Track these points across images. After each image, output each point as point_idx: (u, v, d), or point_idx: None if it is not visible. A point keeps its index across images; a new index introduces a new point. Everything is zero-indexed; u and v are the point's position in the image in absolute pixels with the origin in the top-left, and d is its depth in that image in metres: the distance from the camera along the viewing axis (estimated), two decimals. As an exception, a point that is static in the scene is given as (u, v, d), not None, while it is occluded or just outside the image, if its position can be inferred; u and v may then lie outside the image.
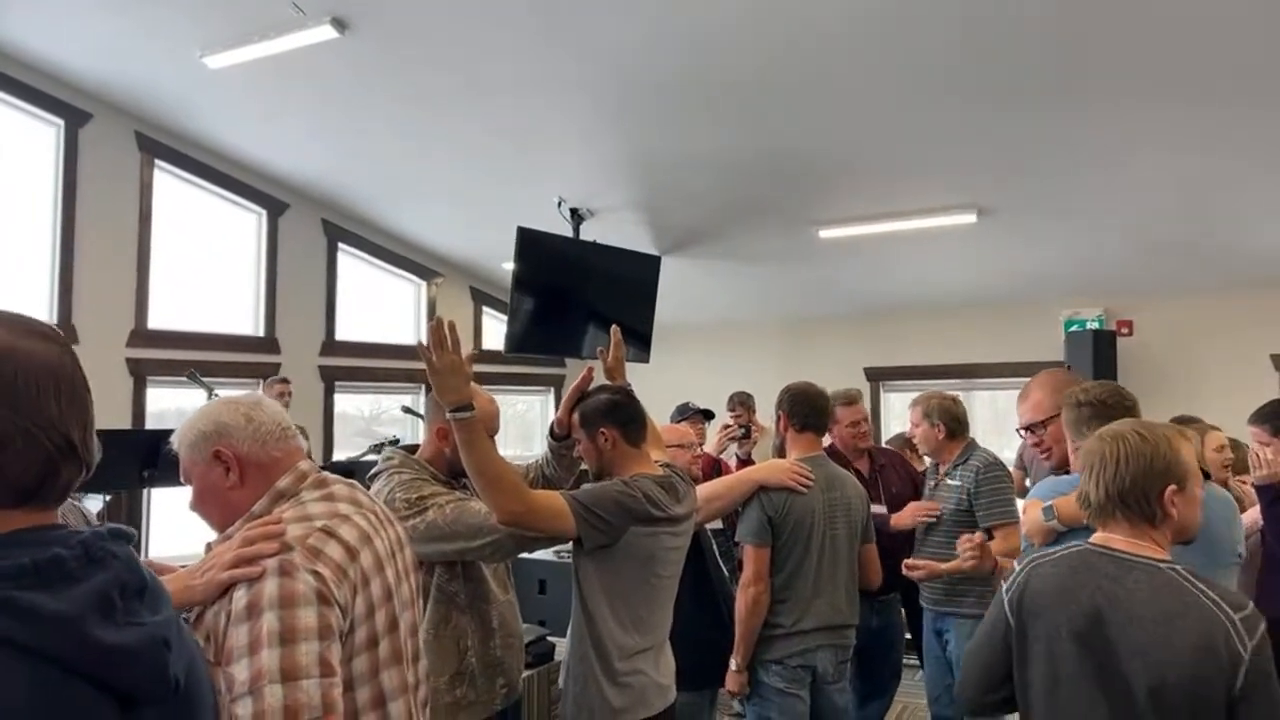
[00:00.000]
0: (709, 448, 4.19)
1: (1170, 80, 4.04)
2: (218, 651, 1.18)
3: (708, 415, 4.35)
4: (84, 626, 0.72)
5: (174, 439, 1.43)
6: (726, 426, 4.42)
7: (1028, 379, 2.43)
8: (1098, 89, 4.16)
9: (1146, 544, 1.61)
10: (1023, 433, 2.40)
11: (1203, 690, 1.46)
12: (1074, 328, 6.56)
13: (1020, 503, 2.85)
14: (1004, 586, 1.73)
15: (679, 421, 3.93)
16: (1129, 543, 1.61)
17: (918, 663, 4.83)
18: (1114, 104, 4.26)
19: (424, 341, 1.93)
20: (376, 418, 7.56)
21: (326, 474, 1.45)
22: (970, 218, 5.56)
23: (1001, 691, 1.70)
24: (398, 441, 4.10)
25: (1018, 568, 1.74)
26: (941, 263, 6.40)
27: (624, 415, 2.25)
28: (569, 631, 2.17)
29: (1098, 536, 1.67)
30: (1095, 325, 6.49)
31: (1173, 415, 4.16)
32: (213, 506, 1.40)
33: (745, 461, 4.81)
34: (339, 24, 4.24)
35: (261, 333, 6.31)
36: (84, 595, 0.73)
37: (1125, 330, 6.58)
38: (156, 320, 5.74)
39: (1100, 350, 6.18)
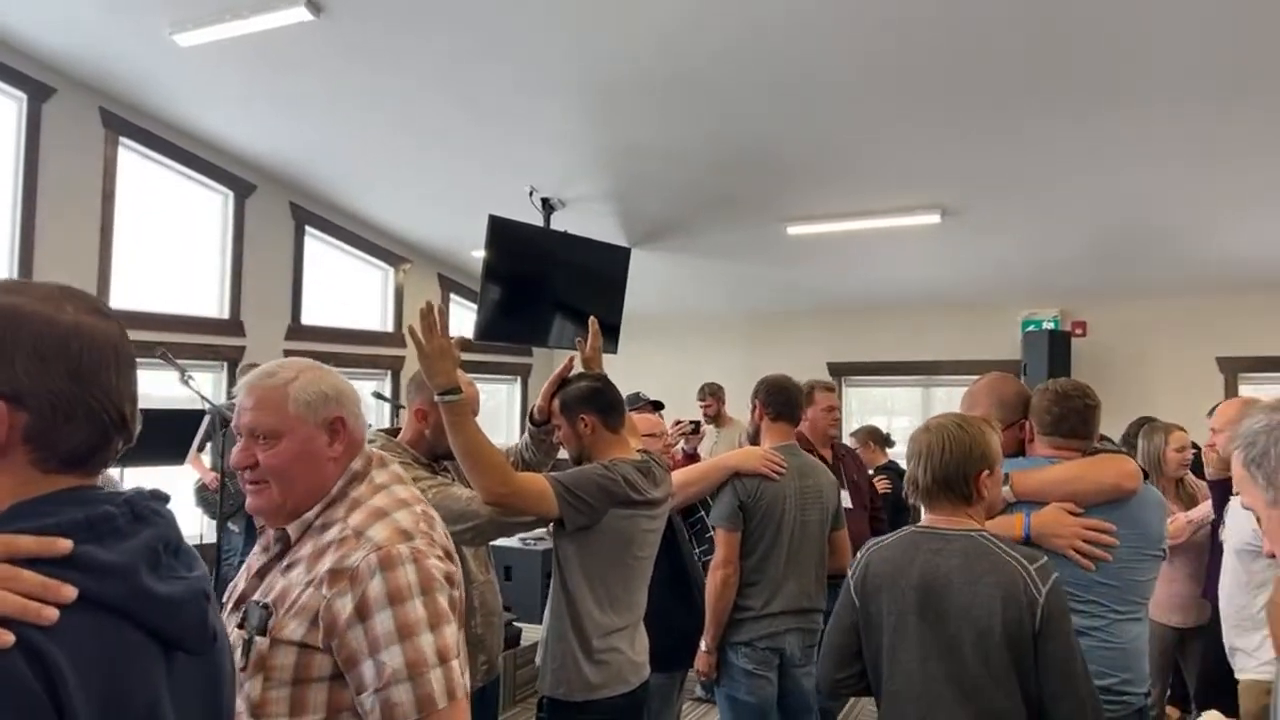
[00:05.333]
0: None
1: (1125, 90, 4.18)
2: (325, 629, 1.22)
3: (657, 406, 4.40)
4: (137, 577, 0.76)
5: (274, 386, 1.33)
6: (678, 422, 4.47)
7: (985, 377, 2.47)
8: (1058, 98, 4.29)
9: (962, 519, 1.84)
10: None
11: (1014, 632, 1.71)
12: (1031, 328, 6.75)
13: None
14: (850, 573, 1.95)
15: (629, 412, 3.97)
16: (948, 520, 1.85)
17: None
18: (1073, 113, 4.40)
19: (414, 326, 1.95)
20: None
21: (376, 450, 1.44)
22: (934, 218, 5.68)
23: (852, 668, 1.92)
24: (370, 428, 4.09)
25: (859, 555, 1.97)
26: (906, 262, 6.53)
27: (604, 402, 2.31)
28: (547, 610, 2.22)
29: (924, 519, 1.91)
30: (1051, 326, 6.69)
31: (1123, 413, 4.32)
32: (305, 472, 1.31)
33: (691, 456, 4.84)
34: (314, 6, 4.20)
35: (226, 315, 6.24)
36: (134, 549, 0.78)
37: (1080, 331, 6.78)
38: (119, 300, 5.64)
39: (1055, 350, 6.36)
